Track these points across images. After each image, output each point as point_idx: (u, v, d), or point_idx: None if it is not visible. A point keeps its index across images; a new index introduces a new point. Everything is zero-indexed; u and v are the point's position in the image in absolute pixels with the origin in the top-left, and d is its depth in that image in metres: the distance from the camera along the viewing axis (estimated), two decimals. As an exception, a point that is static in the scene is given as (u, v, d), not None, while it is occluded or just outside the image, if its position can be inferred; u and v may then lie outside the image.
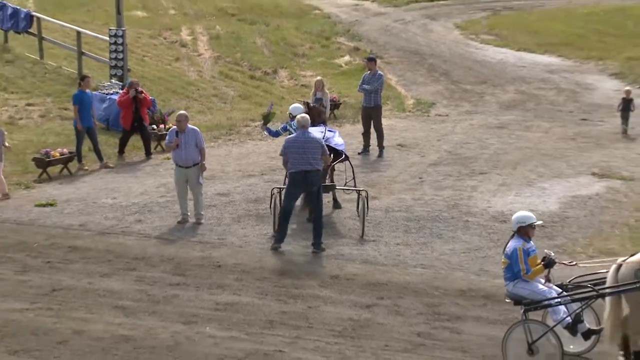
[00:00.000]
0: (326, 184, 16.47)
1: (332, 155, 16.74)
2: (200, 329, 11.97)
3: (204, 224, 16.33)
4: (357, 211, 16.40)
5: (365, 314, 12.51)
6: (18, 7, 30.18)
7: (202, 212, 16.53)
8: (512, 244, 10.85)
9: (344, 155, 17.02)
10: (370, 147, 21.52)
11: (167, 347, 11.42)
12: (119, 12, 25.69)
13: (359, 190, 16.32)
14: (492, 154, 21.49)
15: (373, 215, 16.58)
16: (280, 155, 15.30)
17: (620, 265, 10.62)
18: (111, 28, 25.95)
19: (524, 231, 10.91)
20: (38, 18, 29.19)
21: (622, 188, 18.65)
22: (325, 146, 15.29)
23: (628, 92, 23.84)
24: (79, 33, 27.53)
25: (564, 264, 11.26)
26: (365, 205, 15.83)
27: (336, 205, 17.39)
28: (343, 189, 17.00)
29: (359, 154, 21.10)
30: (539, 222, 11.33)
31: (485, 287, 13.46)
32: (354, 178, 17.14)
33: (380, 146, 21.37)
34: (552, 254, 10.92)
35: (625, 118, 23.46)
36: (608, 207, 17.41)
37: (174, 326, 12.04)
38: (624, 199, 17.97)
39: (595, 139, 23.12)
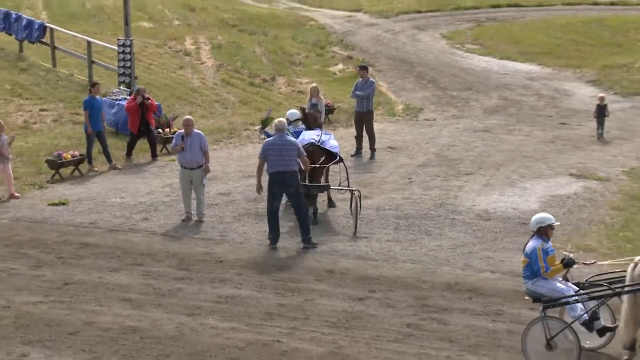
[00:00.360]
0: (321, 184, 16.46)
1: (323, 157, 16.67)
2: (203, 320, 11.96)
3: (206, 222, 16.32)
4: (350, 210, 16.39)
5: (358, 306, 12.50)
6: (32, 19, 30.19)
7: (203, 212, 16.52)
8: (532, 244, 10.82)
9: (338, 157, 17.01)
10: (363, 150, 21.53)
11: (172, 338, 11.41)
12: (126, 23, 25.68)
13: (352, 190, 16.31)
14: (477, 156, 21.50)
15: (365, 213, 16.57)
16: (259, 157, 15.26)
17: (636, 265, 10.62)
18: (119, 38, 25.93)
19: (543, 231, 10.86)
20: (51, 29, 29.18)
21: (598, 188, 18.67)
22: (302, 148, 15.21)
23: (602, 98, 23.83)
24: (89, 43, 27.51)
25: (584, 263, 11.27)
26: (358, 204, 15.82)
27: (331, 204, 17.38)
28: (337, 189, 17.00)
29: (352, 155, 21.11)
30: (557, 223, 11.29)
31: (470, 281, 13.46)
32: (347, 178, 17.14)
33: (372, 148, 21.38)
34: (572, 255, 10.93)
35: (600, 123, 23.48)
36: (585, 205, 17.42)
37: (179, 318, 12.03)
38: (600, 198, 17.98)
39: (573, 142, 23.14)
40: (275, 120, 15.45)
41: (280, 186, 14.97)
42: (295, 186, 15.02)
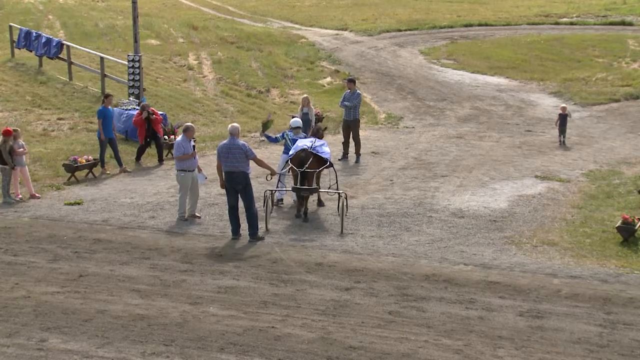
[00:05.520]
0: (312, 187, 16.39)
1: (312, 160, 16.52)
2: (205, 308, 11.91)
3: (207, 220, 16.26)
4: (338, 210, 16.35)
5: (344, 295, 12.47)
6: (50, 37, 30.08)
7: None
8: None
9: (328, 163, 16.91)
10: (348, 155, 21.49)
11: (176, 325, 11.36)
12: (135, 41, 25.61)
13: (339, 192, 16.24)
14: (452, 159, 21.50)
15: (351, 212, 16.56)
16: (217, 159, 15.27)
17: None
18: (129, 54, 25.83)
19: None
20: (67, 46, 29.11)
21: (560, 188, 18.70)
22: (250, 150, 15.08)
23: (564, 108, 23.86)
24: (102, 58, 27.44)
25: None
26: (345, 205, 15.77)
27: (320, 204, 17.35)
28: (325, 192, 16.97)
29: (339, 160, 21.06)
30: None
31: (446, 273, 13.45)
32: (337, 182, 17.08)
33: (357, 153, 21.35)
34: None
35: (562, 131, 23.51)
36: (549, 204, 17.45)
37: (183, 306, 11.98)
38: (562, 197, 18.01)
39: (537, 147, 23.17)
40: (229, 125, 15.45)
41: (231, 184, 15.02)
42: (243, 184, 15.01)
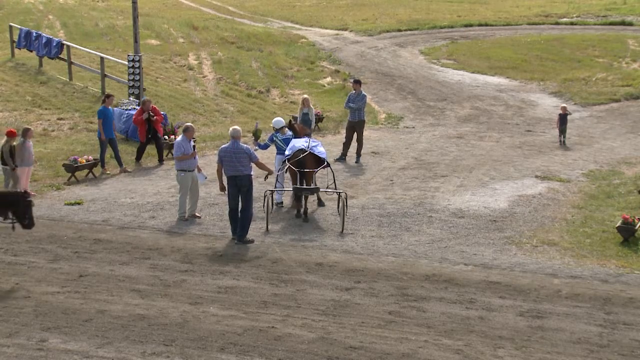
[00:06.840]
0: (311, 187, 16.38)
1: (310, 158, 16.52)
2: (205, 308, 11.91)
3: (207, 220, 16.26)
4: (338, 209, 16.34)
5: (345, 295, 12.47)
6: (51, 37, 30.08)
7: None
8: None
9: (325, 163, 16.91)
10: (346, 156, 21.42)
11: (177, 325, 11.36)
12: (136, 41, 25.60)
13: (339, 192, 16.24)
14: (452, 160, 21.49)
15: (351, 212, 16.56)
16: (217, 162, 15.24)
17: None
18: (129, 54, 25.83)
19: None
20: (68, 46, 29.12)
21: (561, 188, 18.70)
22: (254, 153, 15.05)
23: (564, 108, 23.87)
24: (102, 58, 27.44)
25: None
26: (345, 205, 15.77)
27: (320, 204, 17.34)
28: (325, 191, 16.97)
29: (335, 160, 20.98)
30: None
31: (446, 273, 13.45)
32: (334, 182, 17.08)
33: (358, 154, 21.33)
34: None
35: (562, 131, 23.52)
36: (549, 204, 17.44)
37: (183, 306, 11.98)
38: (562, 197, 18.01)
39: (537, 147, 23.16)
40: (230, 129, 15.41)
41: (234, 187, 14.99)
42: (247, 187, 14.99)
